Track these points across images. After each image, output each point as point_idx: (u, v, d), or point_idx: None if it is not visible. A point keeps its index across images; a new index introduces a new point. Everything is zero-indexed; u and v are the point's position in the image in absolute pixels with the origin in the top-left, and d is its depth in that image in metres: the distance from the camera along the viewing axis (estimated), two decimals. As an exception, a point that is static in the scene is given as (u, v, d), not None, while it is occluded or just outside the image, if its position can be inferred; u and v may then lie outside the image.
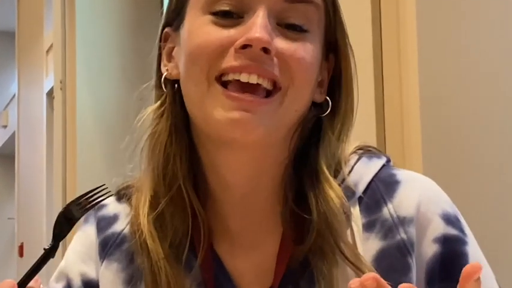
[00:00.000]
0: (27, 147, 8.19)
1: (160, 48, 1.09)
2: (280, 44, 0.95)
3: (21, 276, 0.92)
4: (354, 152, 1.10)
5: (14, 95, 8.86)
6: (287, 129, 1.01)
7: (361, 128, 1.64)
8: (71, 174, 6.01)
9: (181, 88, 1.02)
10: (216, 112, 0.95)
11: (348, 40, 1.06)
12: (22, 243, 8.49)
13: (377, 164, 1.09)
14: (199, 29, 0.98)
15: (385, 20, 2.32)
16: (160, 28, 1.10)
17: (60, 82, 6.34)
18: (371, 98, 2.23)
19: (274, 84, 0.96)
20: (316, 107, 1.05)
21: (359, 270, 0.97)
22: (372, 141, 2.04)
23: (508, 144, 2.19)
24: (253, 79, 0.93)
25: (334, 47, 1.05)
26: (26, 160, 8.21)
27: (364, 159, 1.09)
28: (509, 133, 2.22)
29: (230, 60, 0.94)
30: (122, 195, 1.15)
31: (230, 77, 0.95)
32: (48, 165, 6.86)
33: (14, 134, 8.88)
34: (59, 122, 6.11)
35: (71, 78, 6.29)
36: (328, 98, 1.04)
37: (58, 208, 6.21)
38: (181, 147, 1.03)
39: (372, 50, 2.29)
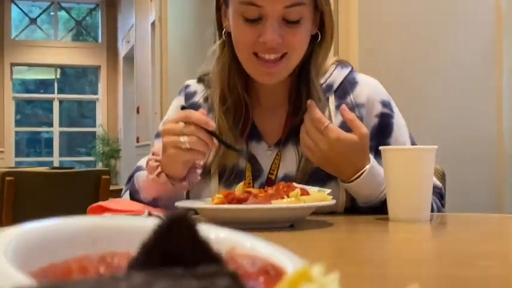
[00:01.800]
0: (140, 54, 11.38)
1: (218, 2, 1.35)
2: (285, 31, 1.21)
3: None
4: (333, 63, 1.41)
5: (133, 25, 11.66)
6: (295, 65, 1.32)
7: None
8: (164, 71, 9.13)
9: (235, 43, 1.30)
10: (251, 71, 1.29)
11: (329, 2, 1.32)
12: (138, 106, 11.85)
13: (345, 70, 1.39)
14: (238, 32, 1.26)
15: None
16: None
17: (159, 18, 9.25)
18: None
19: (283, 54, 1.24)
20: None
21: None
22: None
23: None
24: (270, 57, 1.23)
25: (321, 6, 1.29)
26: (139, 61, 11.42)
27: (338, 68, 1.40)
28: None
29: (260, 49, 1.23)
30: (200, 79, 1.48)
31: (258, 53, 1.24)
32: (152, 65, 10.21)
33: (133, 46, 11.99)
34: (157, 42, 8.86)
35: (165, 16, 9.22)
36: (318, 31, 1.32)
37: (157, 86, 9.25)
38: (237, 66, 1.32)
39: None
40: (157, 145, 1.27)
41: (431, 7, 3.41)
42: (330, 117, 1.33)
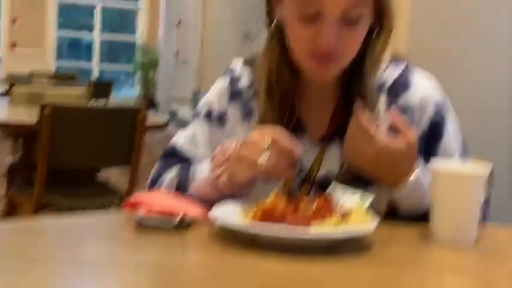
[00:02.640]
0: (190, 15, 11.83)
1: None
2: (343, 33, 1.17)
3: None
4: (387, 59, 1.34)
5: None
6: (349, 62, 1.26)
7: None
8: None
9: (288, 36, 1.24)
10: (304, 67, 1.25)
11: None
12: (180, 19, 11.94)
13: (400, 68, 1.33)
14: (293, 27, 1.21)
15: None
16: None
17: None
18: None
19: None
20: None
21: None
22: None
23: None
24: (325, 62, 1.21)
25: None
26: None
27: (392, 65, 1.34)
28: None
29: (315, 48, 1.18)
30: (247, 61, 1.41)
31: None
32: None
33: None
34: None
35: None
36: (377, 23, 1.25)
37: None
38: (286, 58, 1.27)
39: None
40: (229, 144, 1.20)
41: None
42: (378, 118, 1.26)
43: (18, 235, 1.07)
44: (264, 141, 1.11)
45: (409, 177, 1.18)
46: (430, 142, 1.30)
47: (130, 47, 16.69)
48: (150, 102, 15.52)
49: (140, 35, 16.36)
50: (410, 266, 1.00)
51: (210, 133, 1.35)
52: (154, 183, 1.34)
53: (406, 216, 1.24)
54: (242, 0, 8.47)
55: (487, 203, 1.24)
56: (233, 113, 1.35)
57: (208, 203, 1.15)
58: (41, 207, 2.65)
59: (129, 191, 2.84)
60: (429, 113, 1.31)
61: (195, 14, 10.35)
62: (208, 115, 1.37)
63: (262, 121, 1.29)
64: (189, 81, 10.53)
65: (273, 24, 1.28)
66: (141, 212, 1.08)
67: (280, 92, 1.29)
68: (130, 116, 2.77)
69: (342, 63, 1.24)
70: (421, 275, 0.94)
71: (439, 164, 1.12)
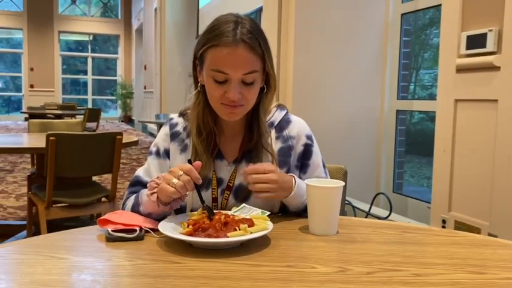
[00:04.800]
0: (146, 29, 11.09)
1: (194, 60, 1.22)
2: (243, 90, 1.15)
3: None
4: (274, 106, 1.33)
5: (142, 8, 11.60)
6: (250, 109, 1.22)
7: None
8: (163, 42, 9.68)
9: (208, 94, 1.19)
10: (219, 112, 1.20)
11: (272, 64, 1.22)
12: (145, 64, 11.65)
13: (283, 112, 1.33)
14: (210, 88, 1.16)
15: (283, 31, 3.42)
16: (193, 54, 1.22)
17: (159, 7, 9.45)
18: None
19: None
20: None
21: (272, 155, 1.24)
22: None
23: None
24: (233, 107, 1.16)
25: (269, 71, 1.20)
26: (146, 34, 11.21)
27: (278, 110, 1.33)
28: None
29: (226, 101, 1.15)
30: (182, 113, 1.35)
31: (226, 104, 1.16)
32: (154, 37, 10.07)
33: (142, 23, 11.84)
34: (158, 23, 9.63)
35: (163, 6, 9.39)
36: (265, 85, 1.22)
37: (158, 52, 10.18)
38: (209, 109, 1.23)
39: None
40: (163, 174, 1.14)
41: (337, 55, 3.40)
42: (271, 145, 1.26)
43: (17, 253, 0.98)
44: (179, 171, 1.07)
45: (293, 189, 1.16)
46: (304, 158, 1.30)
47: (113, 83, 16.79)
48: (128, 120, 15.92)
49: (119, 76, 16.54)
50: (298, 256, 0.92)
51: (159, 165, 1.30)
52: (124, 206, 1.28)
53: (293, 211, 1.23)
54: (188, 52, 8.38)
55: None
56: (173, 149, 1.30)
57: (157, 217, 1.12)
58: (51, 204, 2.56)
59: (113, 188, 2.77)
60: (303, 140, 1.30)
61: (155, 61, 10.25)
62: (157, 153, 1.31)
63: (195, 152, 1.25)
64: (153, 106, 10.43)
65: (198, 86, 1.24)
66: (109, 228, 1.02)
67: (207, 132, 1.26)
68: (111, 138, 2.70)
69: (245, 109, 1.21)
70: (306, 264, 0.86)
71: (311, 181, 1.09)
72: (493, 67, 2.06)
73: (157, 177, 1.14)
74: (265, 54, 1.17)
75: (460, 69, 2.24)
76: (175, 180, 1.05)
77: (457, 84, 2.26)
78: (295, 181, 1.18)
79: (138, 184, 1.30)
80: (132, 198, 1.25)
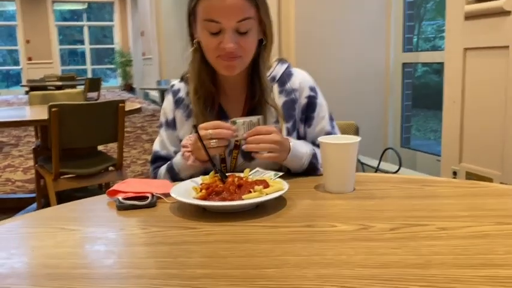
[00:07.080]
0: (149, 27, 11.71)
1: (189, 17, 1.19)
2: (239, 39, 1.12)
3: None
4: (275, 61, 1.30)
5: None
6: (248, 62, 1.20)
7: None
8: (158, 8, 9.82)
9: (204, 48, 1.17)
10: (217, 67, 1.18)
11: (267, 12, 1.19)
12: (143, 30, 11.31)
13: (284, 66, 1.30)
14: (205, 41, 1.14)
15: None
16: (187, 10, 1.19)
17: None
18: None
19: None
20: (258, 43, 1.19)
21: (276, 109, 1.22)
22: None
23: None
24: (230, 59, 1.13)
25: (264, 19, 1.17)
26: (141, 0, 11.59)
27: (279, 64, 1.30)
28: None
29: (222, 52, 1.13)
30: (183, 78, 1.32)
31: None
32: (149, 3, 10.29)
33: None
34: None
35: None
36: (264, 37, 1.19)
37: (154, 17, 9.89)
38: (206, 66, 1.21)
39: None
40: (186, 140, 1.19)
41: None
42: (274, 98, 1.25)
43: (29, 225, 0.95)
44: (208, 131, 1.08)
45: (290, 149, 1.15)
46: (308, 111, 1.26)
47: (111, 52, 16.50)
48: (130, 88, 15.72)
49: (117, 44, 16.24)
50: (317, 215, 0.88)
51: (170, 134, 1.29)
52: (155, 176, 1.30)
53: (295, 172, 1.20)
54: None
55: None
56: (179, 116, 1.28)
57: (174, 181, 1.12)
58: (58, 175, 2.55)
59: (120, 157, 2.74)
60: (306, 92, 1.27)
61: (151, 26, 10.04)
62: (167, 123, 1.30)
63: (195, 114, 1.23)
64: (153, 73, 10.24)
65: (194, 42, 1.21)
66: (120, 196, 0.98)
67: (204, 91, 1.24)
68: (114, 106, 2.66)
69: (243, 61, 1.18)
70: (326, 223, 0.83)
71: (326, 137, 1.05)
72: (503, 12, 1.99)
73: (182, 146, 1.18)
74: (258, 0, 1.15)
75: (469, 16, 2.17)
76: (213, 142, 1.08)
77: (466, 32, 2.19)
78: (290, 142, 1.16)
79: (158, 160, 1.32)
80: (164, 166, 1.27)
